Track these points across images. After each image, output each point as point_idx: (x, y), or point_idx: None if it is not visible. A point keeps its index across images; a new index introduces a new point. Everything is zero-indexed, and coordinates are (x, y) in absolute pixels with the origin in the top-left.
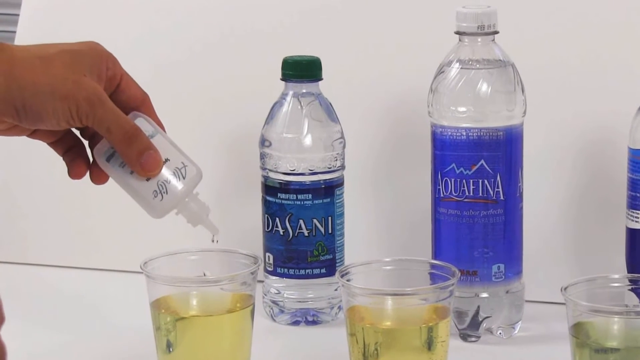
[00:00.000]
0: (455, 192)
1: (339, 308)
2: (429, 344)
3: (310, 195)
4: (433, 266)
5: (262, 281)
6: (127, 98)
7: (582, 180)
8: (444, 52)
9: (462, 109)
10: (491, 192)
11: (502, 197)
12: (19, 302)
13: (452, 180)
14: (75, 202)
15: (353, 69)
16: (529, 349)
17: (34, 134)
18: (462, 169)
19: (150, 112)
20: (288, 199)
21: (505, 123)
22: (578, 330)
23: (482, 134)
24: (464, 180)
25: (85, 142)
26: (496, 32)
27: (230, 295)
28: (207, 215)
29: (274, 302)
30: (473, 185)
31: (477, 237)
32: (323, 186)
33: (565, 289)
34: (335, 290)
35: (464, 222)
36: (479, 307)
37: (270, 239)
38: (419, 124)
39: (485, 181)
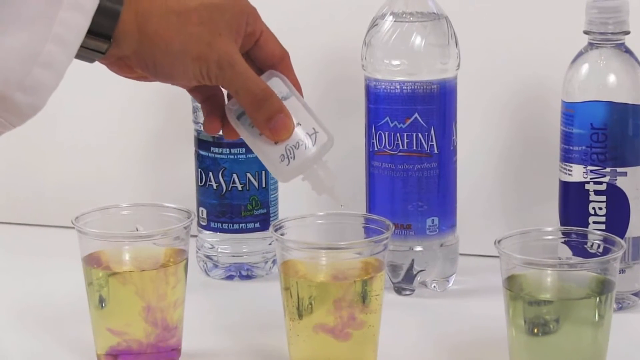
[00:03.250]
0: (389, 146)
1: (273, 262)
2: (364, 298)
3: (243, 149)
4: (367, 220)
5: (195, 236)
6: (265, 55)
7: (517, 133)
8: (377, 5)
9: (396, 62)
10: (425, 146)
11: (436, 151)
12: None
13: (386, 133)
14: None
15: (286, 23)
16: (463, 301)
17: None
18: (395, 122)
19: (288, 71)
20: (221, 153)
21: (439, 76)
22: (512, 283)
23: (415, 87)
24: (397, 134)
25: (225, 92)
26: None
27: (163, 250)
28: (333, 184)
29: (207, 256)
30: (407, 139)
31: (411, 191)
32: None
33: (499, 241)
34: (270, 244)
35: (398, 175)
36: (413, 260)
37: (204, 193)
38: (353, 77)
39: (419, 135)
